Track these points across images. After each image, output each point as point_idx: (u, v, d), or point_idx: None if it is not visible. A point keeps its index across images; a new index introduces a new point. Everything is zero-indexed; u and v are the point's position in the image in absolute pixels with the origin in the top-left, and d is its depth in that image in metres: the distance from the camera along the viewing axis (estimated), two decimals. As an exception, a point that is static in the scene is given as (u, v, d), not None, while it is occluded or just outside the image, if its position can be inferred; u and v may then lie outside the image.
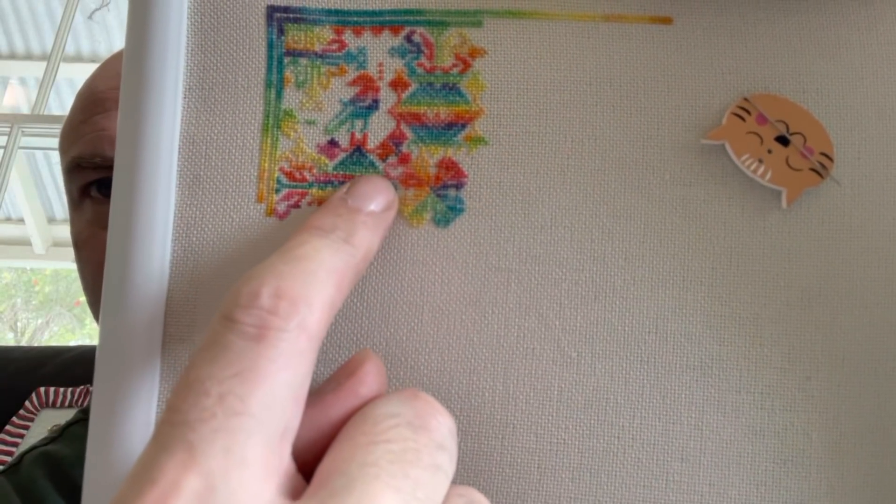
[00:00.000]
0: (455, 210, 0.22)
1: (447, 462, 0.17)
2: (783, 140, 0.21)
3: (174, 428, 0.15)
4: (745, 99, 0.21)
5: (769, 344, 0.21)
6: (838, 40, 0.21)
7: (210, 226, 0.22)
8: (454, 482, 0.17)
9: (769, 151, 0.21)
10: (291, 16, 0.22)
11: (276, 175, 0.22)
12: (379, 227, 0.20)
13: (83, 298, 0.51)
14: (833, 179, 0.21)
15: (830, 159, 0.21)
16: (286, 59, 0.22)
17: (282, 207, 0.22)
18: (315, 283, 0.17)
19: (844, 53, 0.21)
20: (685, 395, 0.21)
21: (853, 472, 0.21)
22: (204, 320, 0.21)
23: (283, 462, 0.16)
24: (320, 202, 0.22)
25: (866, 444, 0.21)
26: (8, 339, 2.99)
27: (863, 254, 0.21)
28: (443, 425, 0.17)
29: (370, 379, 0.18)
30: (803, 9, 0.21)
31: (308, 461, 0.17)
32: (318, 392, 0.18)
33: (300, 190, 0.22)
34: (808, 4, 0.21)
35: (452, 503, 0.17)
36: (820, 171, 0.21)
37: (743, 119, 0.21)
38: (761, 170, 0.21)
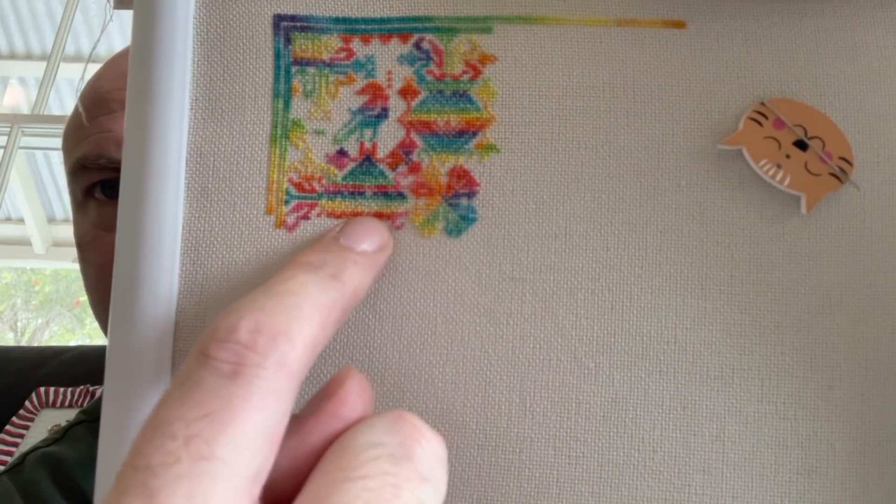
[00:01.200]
0: (467, 219, 0.21)
1: (431, 496, 0.16)
2: (801, 144, 0.21)
3: (136, 472, 0.14)
4: (762, 103, 0.21)
5: (791, 353, 0.21)
6: (855, 42, 0.21)
7: (219, 238, 0.22)
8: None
9: (787, 156, 0.20)
10: (298, 24, 0.22)
11: (285, 186, 0.22)
12: (370, 268, 0.20)
13: (83, 298, 0.51)
14: (853, 184, 0.21)
15: (850, 163, 0.20)
16: (294, 69, 0.22)
17: (291, 219, 0.21)
18: (298, 319, 0.17)
19: (862, 56, 0.21)
20: (706, 406, 0.21)
21: (878, 483, 0.20)
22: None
23: None
24: (330, 213, 0.21)
25: (891, 454, 0.20)
26: (8, 339, 3.00)
27: (884, 259, 0.21)
28: (429, 453, 0.16)
29: (352, 399, 0.17)
30: (819, 11, 0.21)
31: (287, 492, 0.16)
32: (297, 417, 0.17)
33: (310, 201, 0.22)
34: (824, 6, 0.21)
35: None
36: (839, 176, 0.20)
37: (760, 124, 0.21)
38: (780, 175, 0.20)
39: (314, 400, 0.18)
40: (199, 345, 0.16)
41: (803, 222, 0.21)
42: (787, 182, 0.20)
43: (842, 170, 0.20)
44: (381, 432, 0.16)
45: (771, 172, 0.21)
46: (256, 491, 0.15)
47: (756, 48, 0.21)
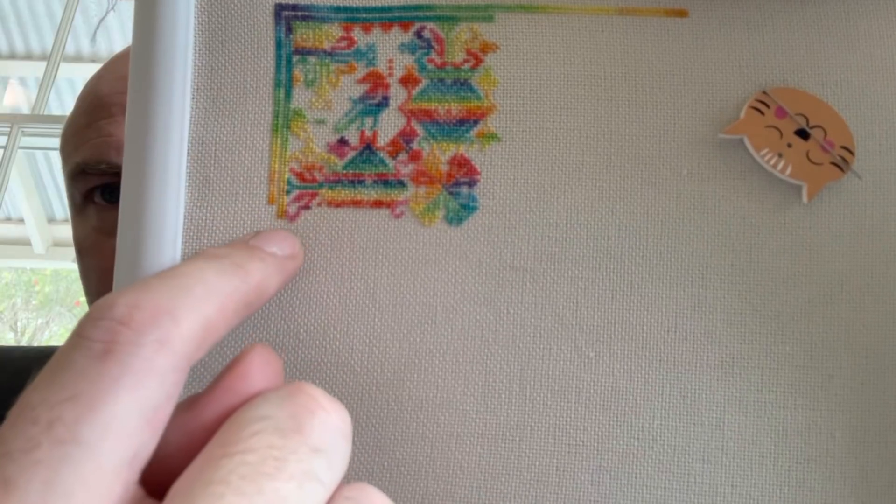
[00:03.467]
0: (468, 208, 0.22)
1: (324, 468, 0.15)
2: (803, 134, 0.21)
3: None
4: (764, 92, 0.21)
5: (791, 342, 0.21)
6: (857, 31, 0.21)
7: (220, 228, 0.22)
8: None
9: (789, 145, 0.21)
10: (300, 14, 0.22)
11: (286, 176, 0.22)
12: (278, 269, 0.19)
13: (83, 298, 0.51)
14: (854, 173, 0.21)
15: (851, 153, 0.21)
16: (295, 58, 0.22)
17: (293, 209, 0.22)
18: (187, 298, 0.16)
19: (864, 44, 0.21)
20: (706, 395, 0.21)
21: (878, 472, 0.20)
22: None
23: (125, 491, 0.14)
24: (330, 202, 0.22)
25: (891, 443, 0.21)
26: (8, 339, 3.01)
27: (885, 249, 0.21)
28: (324, 423, 0.15)
29: (252, 373, 0.17)
30: (821, 0, 0.21)
31: (177, 473, 0.15)
32: (194, 394, 0.17)
33: (311, 191, 0.22)
34: (828, -6, 0.21)
35: None
36: (841, 165, 0.21)
37: (762, 113, 0.21)
38: (781, 164, 0.21)
39: (216, 377, 0.17)
40: (77, 324, 0.15)
41: (804, 212, 0.21)
42: (788, 171, 0.21)
43: (843, 159, 0.21)
44: (273, 405, 0.15)
45: (772, 162, 0.21)
46: (132, 475, 0.15)
47: (758, 37, 0.21)
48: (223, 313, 0.17)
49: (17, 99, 2.57)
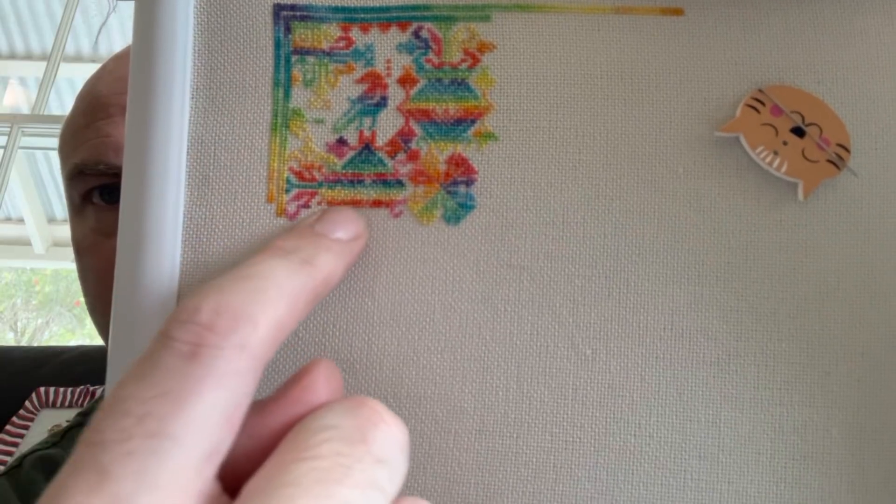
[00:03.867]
0: (466, 207, 0.22)
1: (385, 478, 0.16)
2: (799, 131, 0.21)
3: (89, 448, 0.15)
4: (760, 90, 0.21)
5: (787, 339, 0.21)
6: (853, 29, 0.21)
7: (220, 227, 0.22)
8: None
9: (784, 143, 0.21)
10: (298, 14, 0.23)
11: (285, 175, 0.22)
12: (344, 255, 0.20)
13: (83, 299, 0.52)
14: (850, 171, 0.21)
15: (847, 150, 0.21)
16: (294, 58, 0.23)
17: (292, 208, 0.22)
18: (263, 302, 0.17)
19: (860, 42, 0.21)
20: (702, 392, 0.21)
21: (874, 469, 0.21)
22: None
23: (204, 485, 0.15)
24: (330, 201, 0.22)
25: (887, 440, 0.21)
26: (8, 339, 3.02)
27: (881, 246, 0.21)
28: (387, 436, 0.16)
29: (318, 386, 0.18)
30: (818, -3, 0.22)
31: (245, 475, 0.16)
32: (261, 401, 0.18)
33: (310, 190, 0.22)
34: (823, -7, 0.22)
35: None
36: (837, 163, 0.21)
37: (757, 111, 0.21)
38: (777, 162, 0.21)
39: (282, 386, 0.18)
40: (163, 325, 0.16)
41: (800, 209, 0.21)
42: (784, 169, 0.21)
43: (839, 156, 0.21)
44: (339, 415, 0.17)
45: (768, 159, 0.21)
46: (210, 470, 0.16)
47: (754, 35, 0.22)
48: (294, 311, 0.18)
49: (17, 99, 2.58)
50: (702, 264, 0.21)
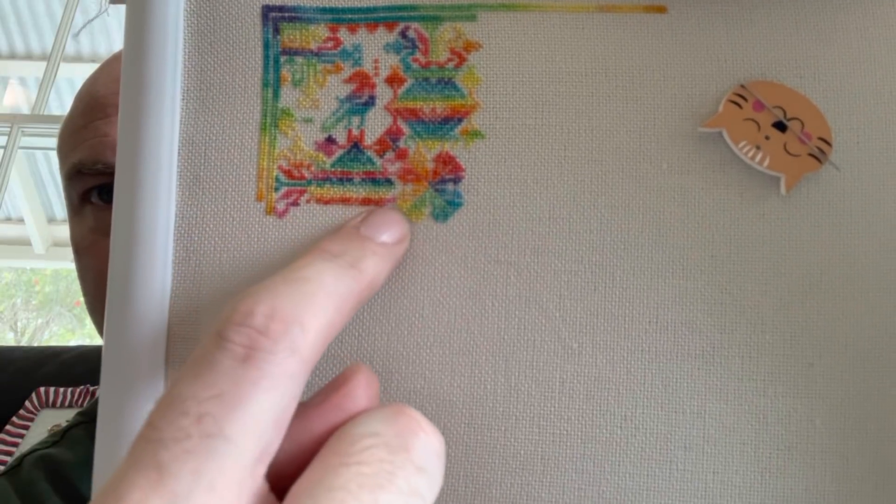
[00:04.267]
0: (453, 204, 0.22)
1: (425, 486, 0.17)
2: (781, 126, 0.21)
3: (148, 445, 0.15)
4: (742, 86, 0.22)
5: (771, 331, 0.21)
6: (835, 24, 0.22)
7: (211, 225, 0.23)
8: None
9: (767, 138, 0.21)
10: (287, 15, 0.23)
11: (274, 174, 0.23)
12: (389, 258, 0.21)
13: (83, 298, 0.52)
14: (832, 164, 0.21)
15: (829, 144, 0.21)
16: (282, 59, 0.23)
17: (281, 206, 0.23)
18: (312, 306, 0.18)
19: (842, 37, 0.22)
20: (687, 384, 0.21)
21: (858, 459, 0.21)
22: (207, 319, 0.22)
23: (255, 485, 0.16)
24: (318, 199, 0.22)
25: (871, 431, 0.21)
26: (8, 339, 3.04)
27: (864, 239, 0.21)
28: (426, 445, 0.17)
29: (358, 393, 0.18)
30: (799, -7, 0.22)
31: (287, 476, 0.17)
32: (303, 405, 0.18)
33: (299, 188, 0.23)
34: (804, -12, 0.22)
35: None
36: (818, 157, 0.21)
37: (740, 106, 0.22)
38: (759, 156, 0.21)
39: (322, 390, 0.19)
40: (218, 326, 0.17)
41: (783, 203, 0.22)
42: (766, 163, 0.21)
43: (821, 150, 0.21)
44: (380, 423, 0.17)
45: (750, 154, 0.21)
46: (261, 470, 0.16)
47: (736, 31, 0.22)
48: (341, 315, 0.18)
49: (17, 99, 2.59)
50: (686, 258, 0.22)
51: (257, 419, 0.16)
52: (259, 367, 0.16)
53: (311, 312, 0.18)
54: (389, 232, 0.21)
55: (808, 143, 0.21)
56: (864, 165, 0.22)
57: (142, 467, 0.15)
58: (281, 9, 0.23)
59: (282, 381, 0.16)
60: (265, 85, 0.23)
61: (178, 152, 0.23)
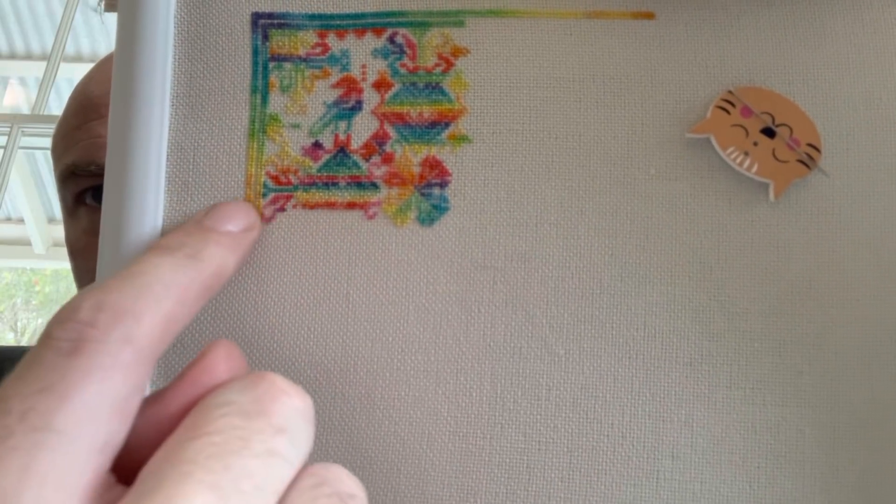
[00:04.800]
0: (439, 209, 0.23)
1: (287, 446, 0.16)
2: (769, 132, 0.22)
3: None
4: (730, 91, 0.22)
5: (760, 339, 0.22)
6: (823, 30, 0.22)
7: (198, 231, 0.23)
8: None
9: (755, 144, 0.22)
10: (275, 21, 0.23)
11: (262, 179, 0.23)
12: (235, 247, 0.21)
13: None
14: (821, 170, 0.22)
15: (818, 150, 0.21)
16: (271, 65, 0.23)
17: (268, 211, 0.23)
18: (147, 297, 0.17)
19: (830, 43, 0.22)
20: (675, 392, 0.22)
21: (848, 468, 0.21)
22: (194, 324, 0.23)
23: (97, 476, 0.16)
24: (305, 204, 0.23)
25: (860, 439, 0.21)
26: (8, 339, 3.06)
27: (853, 245, 0.22)
28: (287, 407, 0.17)
29: (216, 367, 0.18)
30: (787, 0, 0.22)
31: (146, 461, 0.16)
32: (160, 389, 0.18)
33: (286, 193, 0.23)
34: (793, -6, 0.22)
35: (302, 484, 0.16)
36: (807, 163, 0.21)
37: (728, 112, 0.22)
38: (747, 162, 0.21)
39: (180, 372, 0.18)
40: (45, 327, 0.17)
41: (772, 209, 0.22)
42: (754, 169, 0.21)
43: (809, 156, 0.21)
44: (236, 392, 0.17)
45: (739, 160, 0.22)
46: (103, 461, 0.16)
47: (725, 37, 0.22)
48: (183, 305, 0.18)
49: (17, 99, 2.61)
50: (674, 265, 0.22)
51: (91, 410, 0.16)
52: (89, 357, 0.16)
53: (145, 303, 0.17)
54: (234, 221, 0.21)
55: (797, 149, 0.21)
56: (853, 171, 0.22)
57: None
58: (270, 16, 0.23)
59: (116, 370, 0.16)
60: (254, 91, 0.23)
61: (167, 158, 0.23)
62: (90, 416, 0.16)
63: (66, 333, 0.16)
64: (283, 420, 0.17)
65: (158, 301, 0.18)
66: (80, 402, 0.16)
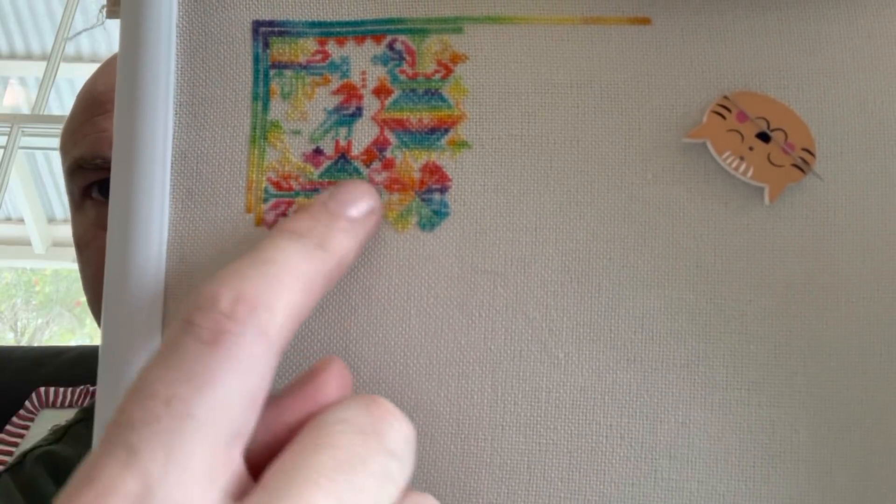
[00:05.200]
0: (440, 214, 0.23)
1: (398, 471, 0.17)
2: (764, 137, 0.22)
3: (118, 429, 0.16)
4: (726, 97, 0.22)
5: (755, 341, 0.22)
6: (818, 35, 0.22)
7: (202, 237, 0.24)
8: (418, 488, 0.18)
9: (750, 148, 0.22)
10: (276, 29, 0.24)
11: (263, 185, 0.23)
12: (359, 233, 0.21)
13: (83, 298, 0.54)
14: (815, 175, 0.22)
15: (812, 154, 0.22)
16: (272, 72, 0.24)
17: (270, 217, 0.23)
18: (279, 288, 0.18)
19: (825, 48, 0.22)
20: (672, 394, 0.22)
21: (842, 468, 0.22)
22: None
23: (231, 465, 0.17)
24: (307, 211, 0.23)
25: (855, 440, 0.22)
26: (8, 339, 3.07)
27: (847, 248, 0.22)
28: (398, 432, 0.18)
29: (331, 384, 0.19)
30: (782, 5, 0.23)
31: (262, 464, 0.17)
32: (277, 396, 0.19)
33: (287, 199, 0.23)
34: (788, 0, 0.23)
35: None
36: (802, 167, 0.22)
37: (723, 117, 0.22)
38: (743, 167, 0.22)
39: (294, 383, 0.19)
40: (184, 312, 0.18)
41: (767, 213, 0.22)
42: (750, 174, 0.22)
43: (804, 161, 0.22)
44: (353, 410, 0.18)
45: (734, 164, 0.22)
46: (236, 451, 0.17)
47: (720, 43, 0.23)
48: (310, 296, 0.19)
49: (17, 99, 2.62)
50: (671, 268, 0.22)
51: (227, 400, 0.17)
52: (227, 349, 0.17)
53: (278, 294, 0.18)
54: (358, 206, 0.21)
55: (792, 154, 0.22)
56: (848, 175, 0.22)
57: (113, 451, 0.16)
58: (271, 24, 0.24)
59: (250, 362, 0.17)
60: (255, 98, 0.24)
61: (171, 166, 0.24)
62: (226, 406, 0.17)
63: (206, 322, 0.17)
64: (395, 444, 0.18)
65: (289, 292, 0.18)
66: (218, 393, 0.16)
